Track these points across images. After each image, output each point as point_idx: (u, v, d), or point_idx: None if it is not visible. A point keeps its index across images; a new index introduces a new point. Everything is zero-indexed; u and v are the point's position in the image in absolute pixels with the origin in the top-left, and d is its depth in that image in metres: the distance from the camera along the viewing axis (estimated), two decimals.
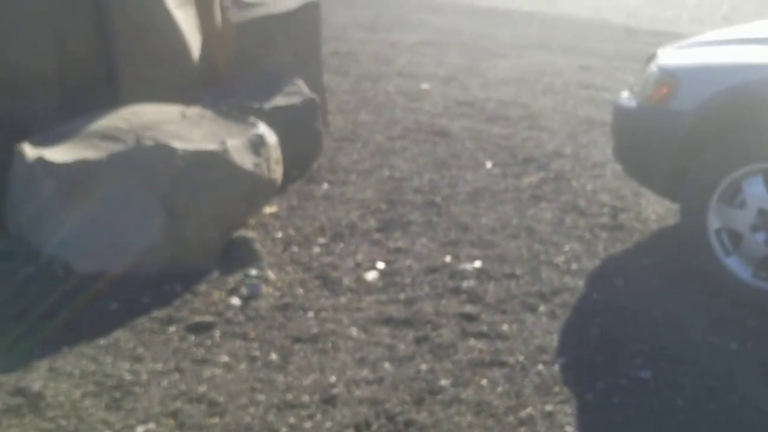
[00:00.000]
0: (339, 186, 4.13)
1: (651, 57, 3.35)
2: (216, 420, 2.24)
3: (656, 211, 3.67)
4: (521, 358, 2.50)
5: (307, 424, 2.20)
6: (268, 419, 2.23)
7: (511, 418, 2.21)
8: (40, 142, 3.42)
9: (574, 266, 3.12)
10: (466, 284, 3.00)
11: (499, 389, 2.35)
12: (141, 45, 4.13)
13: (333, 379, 2.42)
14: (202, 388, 2.39)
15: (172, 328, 2.77)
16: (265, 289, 3.04)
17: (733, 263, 2.86)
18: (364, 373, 2.46)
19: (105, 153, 3.21)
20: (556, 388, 2.34)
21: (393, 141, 4.84)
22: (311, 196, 4.01)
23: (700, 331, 2.70)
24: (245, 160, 3.41)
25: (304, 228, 3.62)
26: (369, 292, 3.01)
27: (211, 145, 3.33)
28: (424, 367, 2.47)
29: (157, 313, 2.86)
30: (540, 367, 2.46)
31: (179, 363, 2.54)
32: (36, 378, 2.43)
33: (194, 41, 4.45)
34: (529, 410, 2.24)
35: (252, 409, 2.28)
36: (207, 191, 3.25)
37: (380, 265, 3.24)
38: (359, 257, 3.32)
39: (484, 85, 6.32)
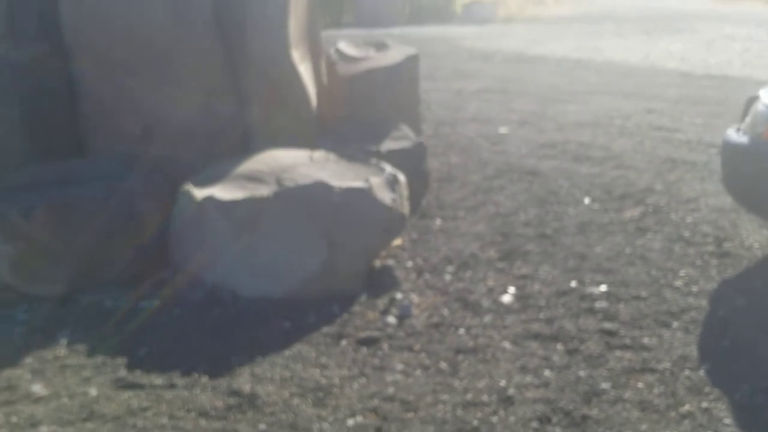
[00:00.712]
0: (451, 221, 4.52)
1: (752, 98, 3.72)
2: (412, 415, 2.59)
3: (758, 239, 3.99)
4: (668, 365, 2.83)
5: (494, 419, 2.54)
6: (457, 414, 2.57)
7: (673, 413, 2.53)
8: (198, 183, 3.86)
9: (694, 288, 3.45)
10: (598, 305, 3.34)
11: (656, 390, 2.67)
12: (272, 97, 4.62)
13: (503, 383, 2.76)
14: (390, 390, 2.74)
15: (344, 342, 3.14)
16: (413, 310, 3.41)
17: None
18: (529, 378, 2.79)
19: (269, 191, 3.63)
20: (707, 389, 2.66)
21: (489, 180, 5.24)
22: (428, 230, 4.40)
23: None
24: (385, 196, 3.81)
25: (431, 258, 4.00)
26: (509, 313, 3.36)
27: (358, 183, 3.74)
28: (582, 373, 2.81)
29: (327, 330, 3.23)
30: (687, 372, 2.78)
31: (362, 369, 2.91)
32: (243, 382, 2.81)
33: (312, 93, 4.94)
34: (687, 407, 2.56)
35: (440, 407, 2.62)
36: (357, 224, 3.65)
37: (511, 289, 3.59)
38: (489, 283, 3.67)
39: (559, 129, 6.73)
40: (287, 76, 4.65)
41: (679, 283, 3.52)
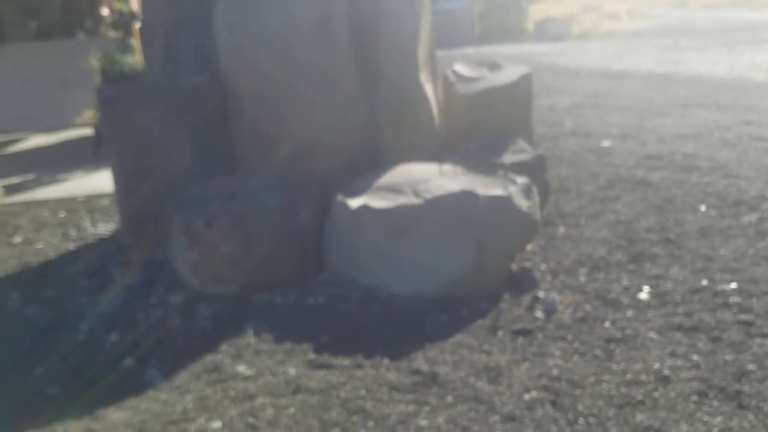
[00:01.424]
0: (574, 228, 4.84)
1: None
2: (580, 391, 2.93)
3: None
4: None
5: (656, 394, 2.86)
6: (621, 391, 2.90)
7: None
8: (348, 194, 4.32)
9: None
10: (732, 300, 3.61)
11: None
12: (402, 115, 5.06)
13: (657, 366, 3.08)
14: (555, 372, 3.09)
15: (500, 333, 3.50)
16: (558, 306, 3.75)
17: None
18: (680, 362, 3.10)
19: (420, 200, 4.05)
20: None
21: (603, 190, 5.54)
22: (554, 236, 4.73)
23: None
24: (522, 203, 4.17)
25: (563, 261, 4.33)
26: (648, 308, 3.66)
27: (499, 191, 4.12)
28: (728, 357, 3.09)
29: (481, 322, 3.61)
30: None
31: (523, 355, 3.27)
32: (421, 363, 3.21)
33: (436, 112, 5.36)
34: None
35: (604, 385, 2.96)
36: (499, 228, 4.03)
37: (646, 288, 3.89)
38: (623, 282, 3.98)
39: (661, 141, 6.96)
40: (417, 96, 5.09)
41: None
